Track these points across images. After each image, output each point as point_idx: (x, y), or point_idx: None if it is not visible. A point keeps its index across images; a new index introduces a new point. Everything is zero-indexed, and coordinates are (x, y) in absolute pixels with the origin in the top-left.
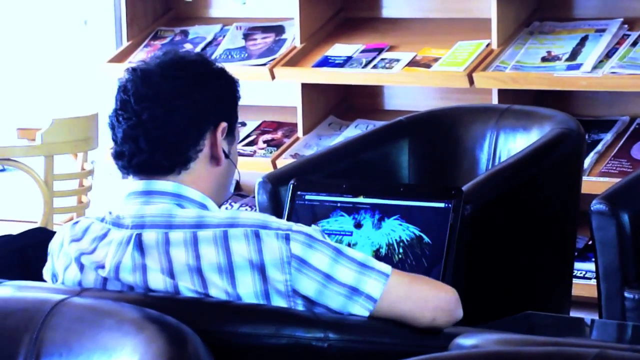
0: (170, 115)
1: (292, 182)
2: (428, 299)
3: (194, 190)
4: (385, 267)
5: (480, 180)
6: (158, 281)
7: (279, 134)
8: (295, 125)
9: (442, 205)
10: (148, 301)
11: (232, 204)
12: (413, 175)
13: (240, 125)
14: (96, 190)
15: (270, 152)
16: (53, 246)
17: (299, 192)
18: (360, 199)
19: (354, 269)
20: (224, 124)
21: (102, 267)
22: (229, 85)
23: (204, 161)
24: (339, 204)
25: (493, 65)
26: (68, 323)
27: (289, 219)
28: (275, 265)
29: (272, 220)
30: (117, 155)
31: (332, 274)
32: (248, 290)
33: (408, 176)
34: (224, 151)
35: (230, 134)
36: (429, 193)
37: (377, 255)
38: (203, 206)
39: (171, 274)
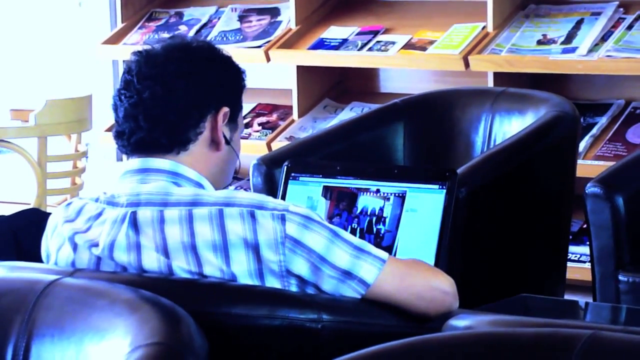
0: (171, 94)
1: (286, 163)
2: (423, 291)
3: (190, 169)
4: (382, 253)
5: (476, 163)
6: (152, 260)
7: (274, 117)
8: (291, 107)
9: (436, 187)
10: (141, 282)
11: (228, 186)
12: (408, 157)
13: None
14: (90, 172)
15: (265, 135)
16: (47, 228)
17: (293, 174)
18: (354, 181)
19: (349, 252)
20: (225, 109)
21: (96, 245)
22: (234, 73)
23: (204, 144)
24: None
25: (489, 48)
26: (60, 304)
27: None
28: (269, 245)
29: (269, 200)
30: (118, 135)
31: (327, 256)
32: (242, 269)
33: (403, 159)
34: (225, 137)
35: (233, 121)
36: (423, 175)
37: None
38: (199, 185)
39: (165, 252)
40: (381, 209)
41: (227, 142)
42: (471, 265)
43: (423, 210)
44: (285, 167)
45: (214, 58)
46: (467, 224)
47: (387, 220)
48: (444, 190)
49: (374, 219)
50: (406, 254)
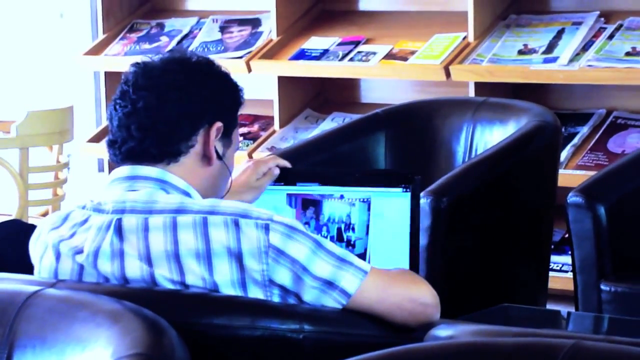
0: (163, 104)
1: None
2: (404, 303)
3: (179, 178)
4: (365, 265)
5: (457, 172)
6: (134, 268)
7: (255, 127)
8: (272, 118)
9: (399, 190)
10: (124, 292)
11: None
12: (389, 167)
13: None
14: (71, 183)
15: (247, 145)
16: (33, 237)
17: None
18: (317, 187)
19: (332, 262)
20: (219, 124)
21: (80, 252)
22: (231, 89)
23: (195, 158)
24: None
25: (470, 58)
26: (42, 315)
27: None
28: (252, 254)
29: (254, 210)
30: (110, 144)
31: (309, 266)
32: (225, 278)
33: (385, 168)
34: (217, 152)
35: (227, 137)
36: (385, 178)
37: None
38: (187, 194)
39: (148, 260)
40: (348, 216)
41: (220, 158)
42: (453, 275)
43: (390, 214)
44: None
45: (211, 73)
46: (448, 234)
47: (356, 226)
48: (409, 193)
49: (343, 225)
50: (380, 260)
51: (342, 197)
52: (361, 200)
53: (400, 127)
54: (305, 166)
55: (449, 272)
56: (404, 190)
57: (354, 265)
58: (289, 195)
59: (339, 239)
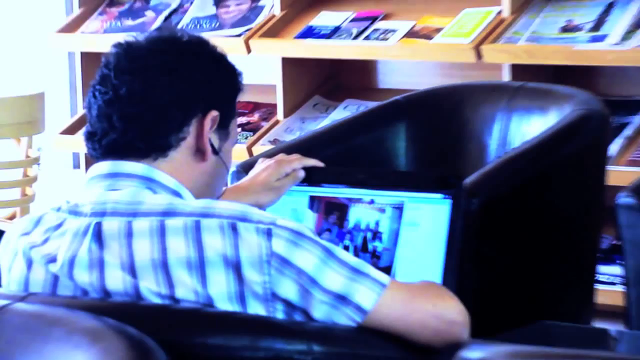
0: (150, 90)
1: None
2: (428, 320)
3: (168, 176)
4: (383, 277)
5: (489, 170)
6: (116, 280)
7: (255, 117)
8: (275, 106)
9: (439, 196)
10: (105, 307)
11: None
12: (411, 164)
13: None
14: (43, 182)
15: (246, 138)
16: (1, 244)
17: None
18: (345, 190)
19: (344, 274)
20: (214, 113)
21: (54, 260)
22: (228, 74)
23: (187, 153)
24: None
25: (504, 36)
26: (10, 333)
27: None
28: (252, 263)
29: (254, 212)
30: (89, 136)
31: (319, 278)
32: (220, 290)
33: (406, 165)
34: (212, 146)
35: (224, 128)
36: (423, 182)
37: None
38: (177, 194)
39: (132, 270)
40: (377, 223)
41: (215, 152)
42: (484, 288)
43: (425, 224)
44: None
45: (205, 55)
46: (479, 240)
47: (384, 236)
48: (449, 200)
49: (369, 234)
50: (407, 275)
51: (372, 201)
52: (393, 206)
53: (424, 117)
54: (333, 166)
55: (479, 284)
56: (445, 196)
57: (371, 276)
58: (312, 198)
59: (363, 249)
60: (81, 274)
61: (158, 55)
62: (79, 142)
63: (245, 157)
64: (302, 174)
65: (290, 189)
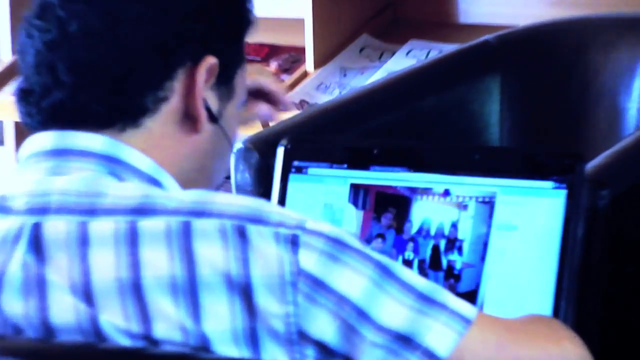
0: (115, 27)
1: (282, 143)
2: None
3: (141, 154)
4: (467, 308)
5: (626, 146)
6: (64, 309)
7: (273, 66)
8: (302, 50)
9: (549, 185)
10: (45, 353)
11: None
12: (508, 135)
13: None
14: None
15: None
16: None
17: (296, 163)
18: (405, 175)
19: (409, 303)
20: (212, 60)
21: None
22: (231, 0)
23: (170, 121)
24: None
25: None
26: None
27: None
28: (269, 287)
29: (271, 210)
30: (22, 95)
31: (369, 309)
32: (221, 327)
33: (500, 136)
34: (209, 110)
35: (225, 83)
36: (525, 163)
37: None
38: (154, 182)
39: (88, 296)
40: (454, 226)
41: (213, 119)
42: (614, 317)
43: (527, 226)
44: (283, 151)
45: None
46: (609, 249)
47: (466, 245)
48: (564, 191)
49: (443, 242)
50: (500, 304)
51: (447, 193)
52: (479, 200)
53: (527, 66)
54: (387, 140)
55: (608, 312)
56: (558, 186)
57: (448, 307)
58: (356, 187)
59: (433, 265)
60: (11, 301)
61: None
62: (6, 105)
63: (257, 127)
64: (264, 109)
65: (321, 174)
